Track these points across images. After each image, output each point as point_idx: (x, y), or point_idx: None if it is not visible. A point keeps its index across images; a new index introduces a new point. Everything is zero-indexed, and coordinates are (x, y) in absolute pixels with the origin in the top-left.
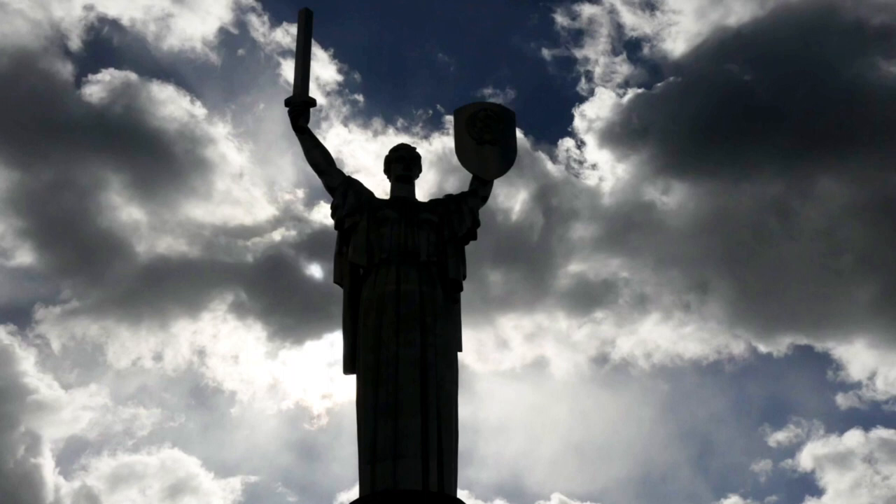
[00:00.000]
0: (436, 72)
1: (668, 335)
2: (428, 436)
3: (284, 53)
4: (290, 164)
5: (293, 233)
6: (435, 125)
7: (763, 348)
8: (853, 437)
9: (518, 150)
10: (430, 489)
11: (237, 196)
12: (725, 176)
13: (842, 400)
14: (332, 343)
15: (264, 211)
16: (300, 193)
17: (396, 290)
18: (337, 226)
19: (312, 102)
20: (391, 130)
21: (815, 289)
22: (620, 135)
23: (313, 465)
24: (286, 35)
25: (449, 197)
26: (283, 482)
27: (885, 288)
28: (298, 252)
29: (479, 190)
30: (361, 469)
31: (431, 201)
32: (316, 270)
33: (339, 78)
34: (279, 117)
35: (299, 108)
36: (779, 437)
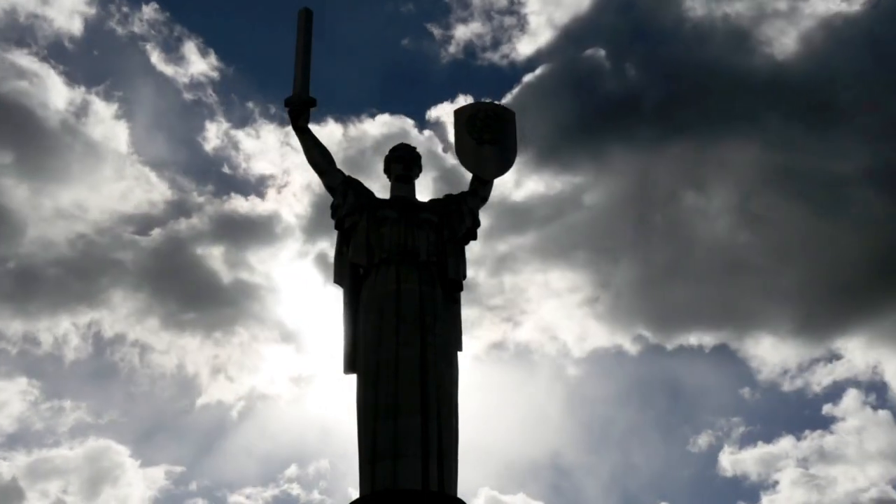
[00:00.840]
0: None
1: (570, 323)
2: (428, 435)
3: (146, 38)
4: (170, 148)
5: (195, 220)
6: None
7: (668, 342)
8: (770, 437)
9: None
10: (429, 489)
11: (128, 181)
12: (614, 165)
13: (753, 396)
14: (242, 344)
15: (160, 197)
16: (209, 185)
17: (396, 289)
18: (337, 226)
19: (313, 102)
20: (269, 124)
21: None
22: None
23: (226, 459)
24: (146, 17)
25: (449, 197)
26: (207, 475)
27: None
28: (199, 240)
29: (479, 190)
30: (361, 468)
31: (431, 201)
32: (217, 258)
33: (214, 74)
34: (153, 103)
35: (299, 108)
36: (700, 440)
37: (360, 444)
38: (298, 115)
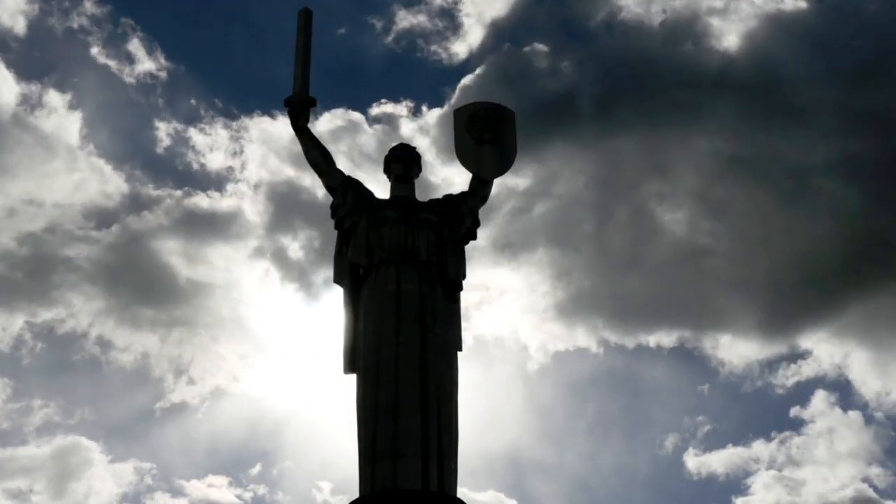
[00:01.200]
0: (244, 57)
1: (530, 319)
2: (428, 435)
3: (88, 31)
4: (122, 142)
5: (152, 215)
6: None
7: (629, 340)
8: (738, 439)
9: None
10: (429, 488)
11: (82, 174)
12: (566, 162)
13: (713, 395)
14: (202, 343)
15: (116, 190)
16: (168, 180)
17: (396, 289)
18: (337, 226)
19: (313, 102)
20: (220, 118)
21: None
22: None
23: (191, 457)
24: (88, 11)
25: (449, 197)
26: (175, 470)
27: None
28: (156, 235)
29: (479, 189)
30: (361, 468)
31: (431, 201)
32: (175, 253)
33: (162, 74)
34: (102, 97)
35: (299, 107)
36: (666, 442)
37: (360, 444)
38: (298, 115)
